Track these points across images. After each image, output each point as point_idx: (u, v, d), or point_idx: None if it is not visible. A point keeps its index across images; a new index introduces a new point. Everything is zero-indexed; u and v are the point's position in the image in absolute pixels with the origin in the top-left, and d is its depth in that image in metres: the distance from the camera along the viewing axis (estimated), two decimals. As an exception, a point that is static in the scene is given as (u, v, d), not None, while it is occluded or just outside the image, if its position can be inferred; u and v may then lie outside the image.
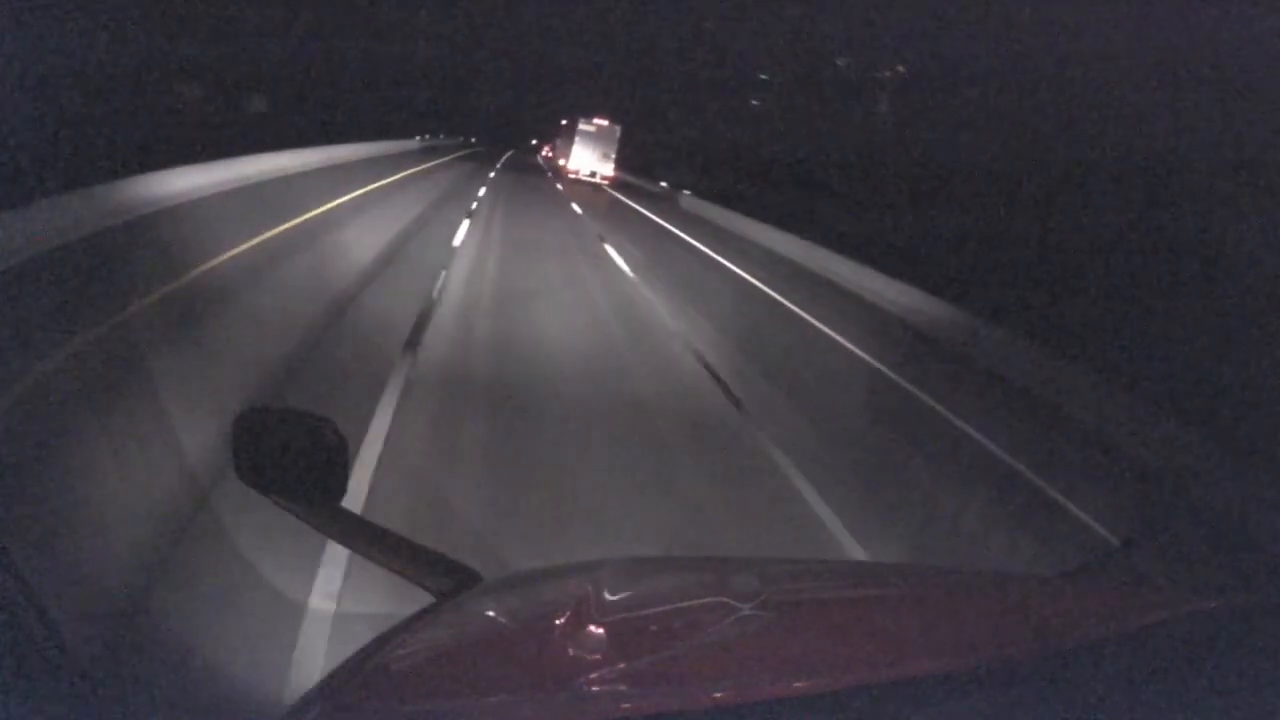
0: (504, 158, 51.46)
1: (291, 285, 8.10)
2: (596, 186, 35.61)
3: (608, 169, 37.56)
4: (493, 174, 32.57)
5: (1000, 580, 1.79)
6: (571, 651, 1.12)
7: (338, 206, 14.46)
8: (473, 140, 72.16)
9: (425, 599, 1.35)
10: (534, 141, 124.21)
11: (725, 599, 1.34)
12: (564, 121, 56.21)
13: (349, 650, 1.19)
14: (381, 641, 1.20)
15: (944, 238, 17.69)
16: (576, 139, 37.65)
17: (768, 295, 13.34)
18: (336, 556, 3.24)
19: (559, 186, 31.62)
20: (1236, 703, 0.79)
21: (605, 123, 37.68)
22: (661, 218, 24.67)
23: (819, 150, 30.50)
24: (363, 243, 11.19)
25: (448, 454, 4.73)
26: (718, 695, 0.97)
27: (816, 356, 9.72)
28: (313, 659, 2.75)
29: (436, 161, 34.97)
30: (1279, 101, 11.99)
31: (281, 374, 5.47)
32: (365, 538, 1.45)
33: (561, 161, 44.60)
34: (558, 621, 1.22)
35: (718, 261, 16.74)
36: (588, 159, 37.53)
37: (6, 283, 6.53)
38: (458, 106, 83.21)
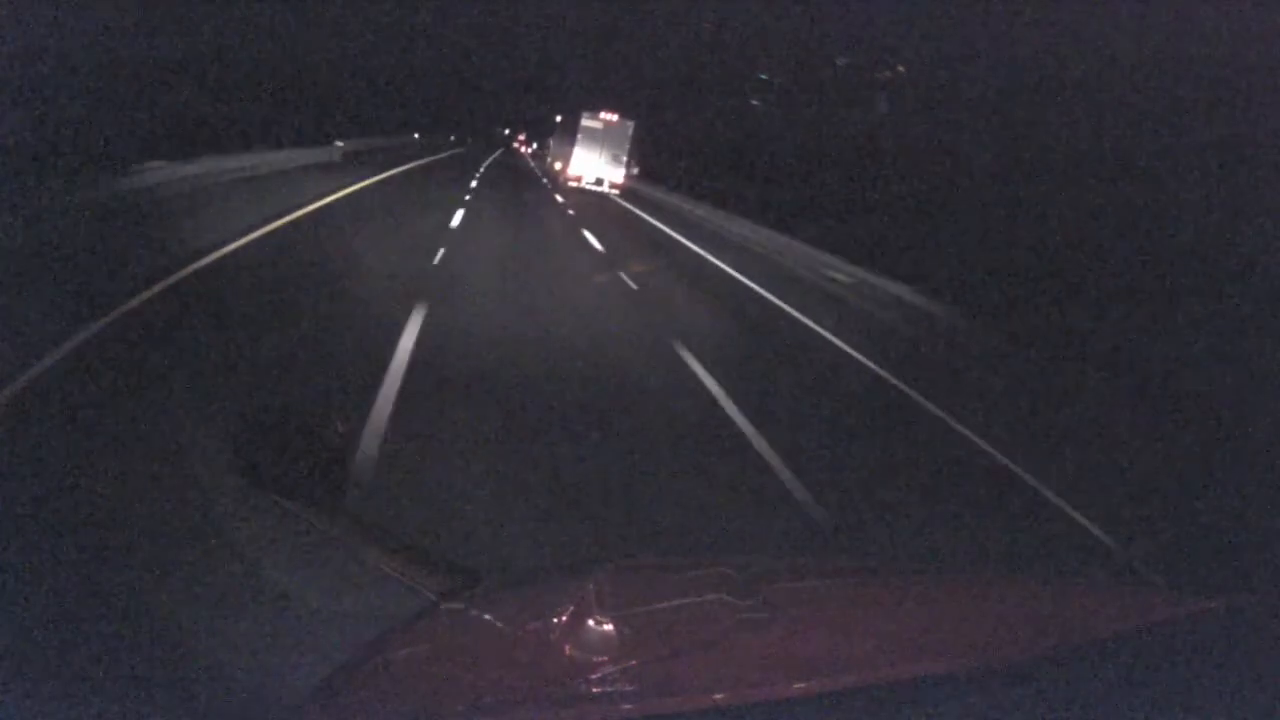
0: (482, 170, 34.89)
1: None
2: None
3: (617, 174, 30.46)
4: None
5: (1000, 580, 1.79)
6: (571, 652, 1.12)
7: None
8: (416, 136, 46.79)
9: (425, 599, 1.35)
10: (505, 131, 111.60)
11: (725, 599, 1.34)
12: (559, 118, 46.75)
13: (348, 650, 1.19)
14: (381, 641, 1.20)
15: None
16: (579, 138, 30.25)
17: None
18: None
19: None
20: (1236, 703, 0.79)
21: (614, 118, 30.21)
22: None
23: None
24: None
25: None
26: (718, 695, 0.97)
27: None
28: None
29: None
30: (1278, 101, 11.99)
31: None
32: (365, 538, 1.45)
33: (558, 165, 35.94)
34: (557, 622, 1.22)
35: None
36: (593, 163, 30.33)
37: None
38: (439, 101, 67.56)
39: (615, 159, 30.41)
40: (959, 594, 1.48)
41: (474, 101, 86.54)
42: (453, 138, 64.22)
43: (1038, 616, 1.29)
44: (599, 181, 30.50)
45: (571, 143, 32.01)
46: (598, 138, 30.30)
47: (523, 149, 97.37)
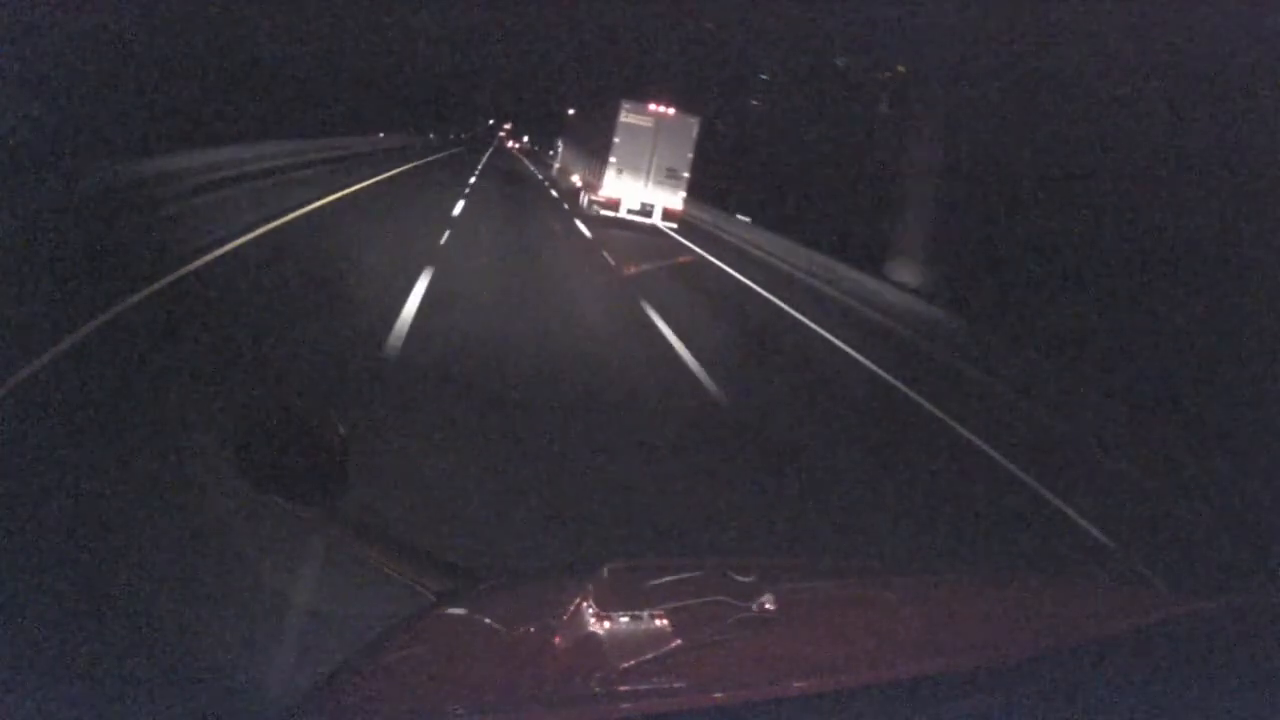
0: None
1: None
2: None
3: (674, 198, 19.64)
4: None
5: (1000, 580, 1.79)
6: (571, 652, 1.12)
7: None
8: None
9: (425, 599, 1.36)
10: (490, 122, 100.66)
11: (725, 599, 1.34)
12: (571, 111, 35.00)
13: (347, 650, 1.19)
14: (381, 641, 1.20)
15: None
16: (616, 142, 19.48)
17: None
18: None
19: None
20: (1236, 703, 0.79)
21: (669, 111, 19.65)
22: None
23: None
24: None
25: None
26: (718, 695, 0.97)
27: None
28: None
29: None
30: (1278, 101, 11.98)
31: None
32: (364, 539, 1.45)
33: (575, 179, 25.31)
34: (557, 622, 1.22)
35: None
36: (638, 180, 19.58)
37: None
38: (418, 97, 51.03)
39: (671, 175, 19.63)
40: (959, 594, 1.48)
41: (456, 94, 72.51)
42: (387, 132, 36.65)
43: (1038, 616, 1.29)
44: (645, 210, 19.58)
45: (595, 147, 21.54)
46: (644, 142, 19.49)
47: (511, 144, 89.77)
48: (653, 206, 19.67)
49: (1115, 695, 0.82)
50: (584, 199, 21.78)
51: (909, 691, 0.88)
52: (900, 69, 26.38)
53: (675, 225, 20.15)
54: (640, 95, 20.54)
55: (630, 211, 19.65)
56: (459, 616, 1.30)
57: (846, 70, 29.49)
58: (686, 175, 19.70)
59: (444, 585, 1.35)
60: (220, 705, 2.51)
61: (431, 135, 54.83)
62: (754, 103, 36.53)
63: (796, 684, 1.01)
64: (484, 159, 43.97)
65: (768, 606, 1.29)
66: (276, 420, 1.46)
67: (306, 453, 1.40)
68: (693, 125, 19.78)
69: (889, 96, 27.21)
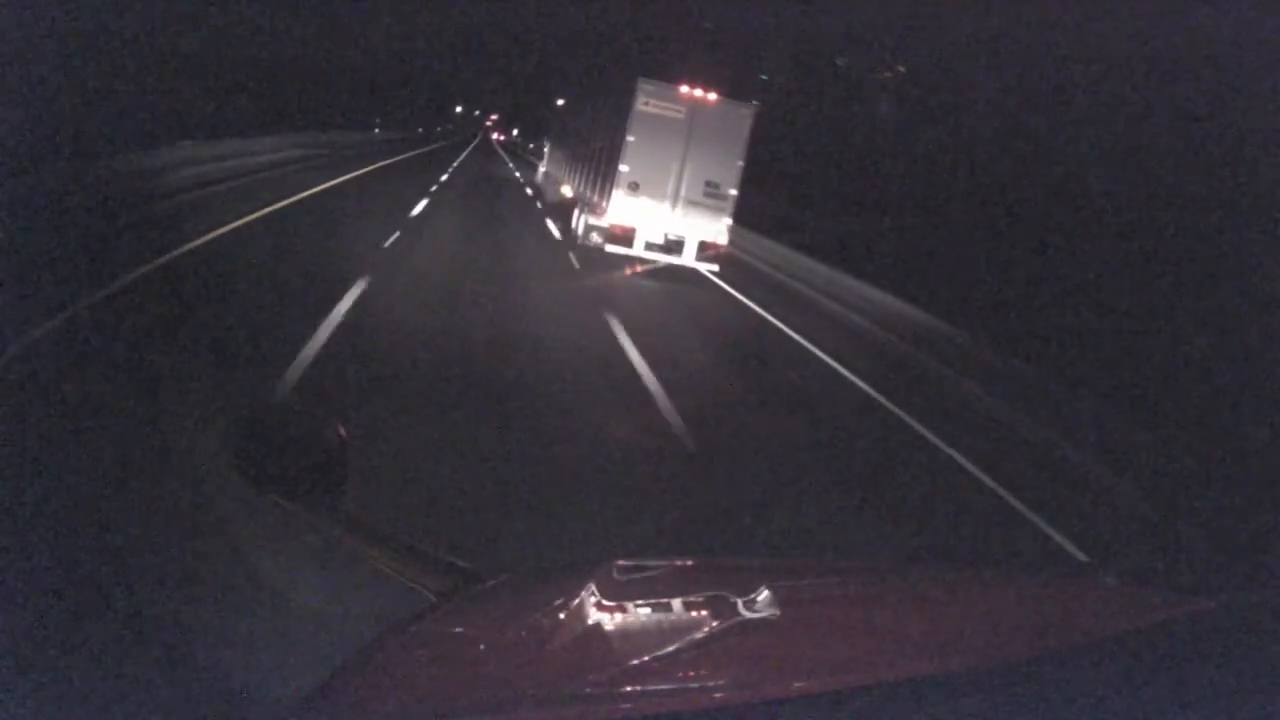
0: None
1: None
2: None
3: (716, 227, 13.12)
4: None
5: (1000, 580, 1.79)
6: (571, 652, 1.12)
7: None
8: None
9: (425, 599, 1.36)
10: (476, 112, 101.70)
11: (725, 599, 1.34)
12: (561, 102, 28.30)
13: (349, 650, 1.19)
14: (381, 641, 1.20)
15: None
16: (629, 141, 12.87)
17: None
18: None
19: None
20: (1236, 703, 0.79)
21: (710, 97, 13.04)
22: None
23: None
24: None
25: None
26: (718, 695, 0.97)
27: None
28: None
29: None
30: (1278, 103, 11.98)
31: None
32: (364, 538, 1.45)
33: (566, 191, 18.36)
34: (557, 622, 1.22)
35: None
36: (660, 200, 13.01)
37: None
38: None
39: (712, 193, 13.16)
40: (959, 594, 1.48)
41: (443, 85, 67.48)
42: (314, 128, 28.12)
43: (1038, 616, 1.29)
44: (672, 245, 13.22)
45: (597, 149, 15.17)
46: (672, 141, 13.03)
47: (496, 135, 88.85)
48: (682, 240, 13.17)
49: (1115, 695, 0.82)
50: (579, 224, 14.75)
51: (909, 691, 0.88)
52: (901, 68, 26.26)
53: (717, 267, 13.49)
54: (666, 74, 14.00)
55: (650, 246, 13.19)
56: (459, 616, 1.30)
57: (847, 70, 29.38)
58: (734, 193, 13.18)
59: (444, 585, 1.35)
60: (219, 705, 2.51)
61: (376, 130, 41.50)
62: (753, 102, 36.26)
63: (796, 684, 1.01)
64: (462, 156, 34.15)
65: (768, 606, 1.29)
66: (276, 420, 1.47)
67: (306, 453, 1.40)
68: (745, 118, 13.23)
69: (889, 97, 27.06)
